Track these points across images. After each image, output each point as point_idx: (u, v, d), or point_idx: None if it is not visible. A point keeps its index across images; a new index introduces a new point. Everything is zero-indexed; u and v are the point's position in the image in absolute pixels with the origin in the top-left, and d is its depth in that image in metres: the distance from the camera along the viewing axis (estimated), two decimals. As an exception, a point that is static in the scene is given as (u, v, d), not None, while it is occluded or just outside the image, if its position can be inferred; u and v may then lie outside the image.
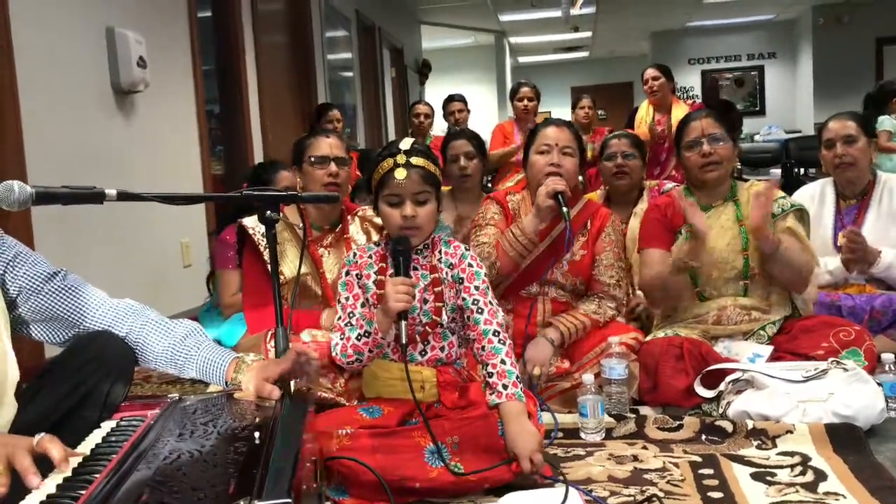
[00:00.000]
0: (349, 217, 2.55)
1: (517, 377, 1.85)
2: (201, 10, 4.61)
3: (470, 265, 1.95)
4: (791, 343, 2.36)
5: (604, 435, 2.11)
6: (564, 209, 2.33)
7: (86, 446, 1.26)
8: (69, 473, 1.13)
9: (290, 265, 2.39)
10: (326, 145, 2.48)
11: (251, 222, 2.41)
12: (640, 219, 2.98)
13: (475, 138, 3.32)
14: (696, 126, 2.51)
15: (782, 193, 2.57)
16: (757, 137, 10.17)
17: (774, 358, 2.32)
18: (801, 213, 2.52)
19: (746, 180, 2.68)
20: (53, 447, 1.14)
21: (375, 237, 2.49)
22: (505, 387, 1.82)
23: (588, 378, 2.12)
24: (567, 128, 2.50)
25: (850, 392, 2.03)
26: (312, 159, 2.47)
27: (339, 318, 1.94)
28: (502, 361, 1.85)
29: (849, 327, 2.33)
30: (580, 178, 4.20)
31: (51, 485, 1.11)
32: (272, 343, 2.27)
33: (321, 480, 1.60)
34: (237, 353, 1.69)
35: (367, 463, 1.69)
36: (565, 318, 2.42)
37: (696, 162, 2.50)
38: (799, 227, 2.47)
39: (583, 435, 2.10)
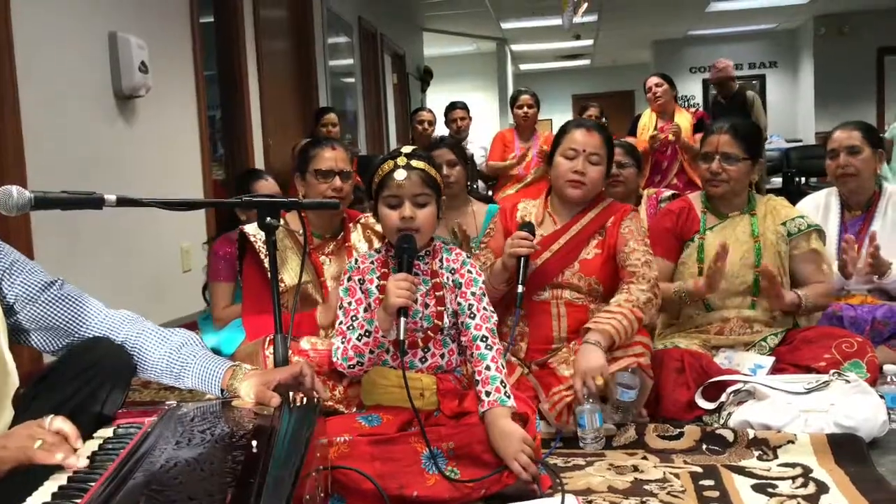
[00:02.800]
0: (351, 224, 2.55)
1: (501, 381, 1.83)
2: (203, 16, 4.61)
3: (469, 271, 1.96)
4: (792, 354, 2.36)
5: (603, 444, 2.09)
6: (521, 280, 2.18)
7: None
8: (64, 482, 1.13)
9: (290, 272, 2.38)
10: (332, 159, 2.44)
11: (252, 229, 2.40)
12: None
13: (455, 146, 3.34)
14: (714, 140, 2.50)
15: (797, 212, 2.56)
16: (758, 146, 10.16)
17: (776, 369, 2.31)
18: (820, 233, 2.53)
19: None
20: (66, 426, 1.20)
21: (377, 245, 2.49)
22: (488, 393, 1.81)
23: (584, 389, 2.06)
24: (598, 132, 2.35)
25: (852, 403, 2.02)
26: (317, 172, 2.44)
27: (341, 322, 1.93)
28: (487, 367, 1.85)
29: (851, 339, 2.31)
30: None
31: (47, 491, 1.11)
32: (270, 349, 2.26)
33: (328, 491, 1.59)
34: (234, 361, 1.69)
35: (365, 472, 1.68)
36: (601, 318, 2.16)
37: (703, 175, 2.52)
38: (822, 248, 2.50)
39: (581, 445, 2.08)
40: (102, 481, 1.12)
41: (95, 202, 1.47)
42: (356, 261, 2.00)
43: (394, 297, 1.73)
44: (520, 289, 2.18)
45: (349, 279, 1.97)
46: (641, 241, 2.33)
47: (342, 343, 1.89)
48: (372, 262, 1.98)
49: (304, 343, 2.23)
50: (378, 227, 2.50)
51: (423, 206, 1.87)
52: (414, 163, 1.87)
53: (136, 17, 3.81)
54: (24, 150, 2.99)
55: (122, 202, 1.51)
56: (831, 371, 2.17)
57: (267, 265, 2.37)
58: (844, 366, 2.23)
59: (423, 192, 1.86)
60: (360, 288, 1.95)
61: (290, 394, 1.52)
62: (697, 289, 2.40)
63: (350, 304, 1.94)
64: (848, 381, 2.08)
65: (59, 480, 1.13)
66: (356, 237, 2.53)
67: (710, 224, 2.55)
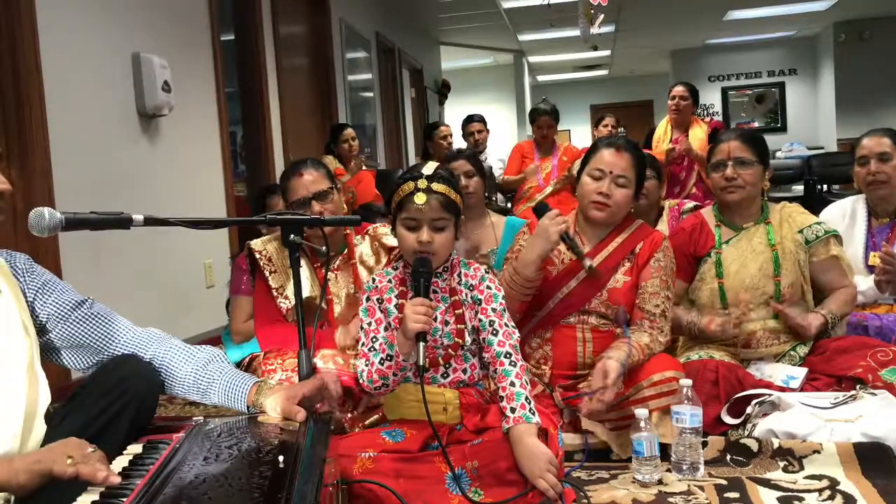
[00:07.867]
0: (357, 237, 2.53)
1: (526, 398, 1.82)
2: (224, 34, 4.68)
3: (489, 287, 1.95)
4: (826, 364, 2.32)
5: (660, 473, 1.95)
6: (578, 250, 2.15)
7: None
8: (97, 497, 1.15)
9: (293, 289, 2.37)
10: (303, 186, 2.38)
11: (259, 245, 2.44)
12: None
13: (473, 157, 3.36)
14: (724, 148, 2.50)
15: (813, 218, 2.55)
16: (779, 154, 10.07)
17: (809, 379, 2.28)
18: (838, 238, 2.51)
19: (777, 200, 2.66)
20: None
21: (384, 259, 2.49)
22: (513, 410, 1.80)
23: (642, 412, 1.95)
24: (628, 152, 2.26)
25: (879, 414, 1.99)
26: (292, 204, 2.38)
27: (363, 344, 1.93)
28: (511, 384, 1.84)
29: (886, 348, 2.28)
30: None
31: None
32: (270, 363, 2.27)
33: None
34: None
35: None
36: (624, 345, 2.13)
37: (718, 183, 2.51)
38: (842, 253, 2.48)
39: (638, 476, 1.94)
40: (134, 496, 1.14)
41: (124, 222, 1.50)
42: (374, 279, 2.00)
43: (411, 322, 1.73)
44: (586, 262, 2.17)
45: (367, 299, 1.96)
46: (666, 285, 2.26)
47: (366, 366, 1.89)
48: (390, 281, 1.98)
49: (319, 361, 2.23)
50: (385, 240, 2.51)
51: (441, 230, 1.86)
52: (435, 186, 1.85)
53: (158, 38, 3.88)
54: (52, 169, 3.05)
55: (150, 222, 1.54)
56: (857, 387, 2.14)
57: (271, 280, 2.39)
58: (883, 372, 2.19)
59: (441, 217, 1.85)
60: (379, 307, 1.95)
61: (315, 408, 1.54)
62: (709, 328, 2.39)
63: (370, 324, 1.94)
64: (874, 394, 2.06)
65: (91, 495, 1.15)
66: (364, 250, 2.51)
67: (726, 237, 2.53)
